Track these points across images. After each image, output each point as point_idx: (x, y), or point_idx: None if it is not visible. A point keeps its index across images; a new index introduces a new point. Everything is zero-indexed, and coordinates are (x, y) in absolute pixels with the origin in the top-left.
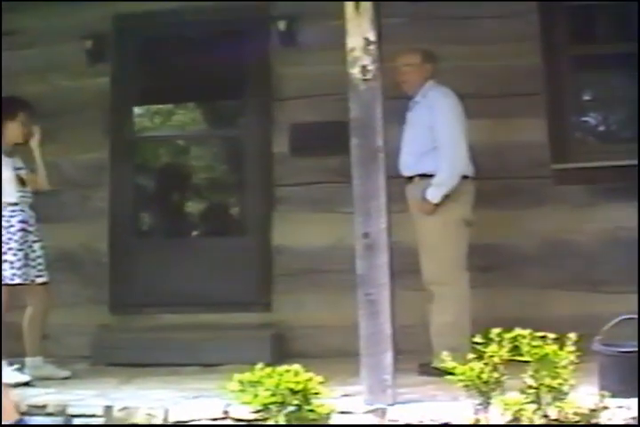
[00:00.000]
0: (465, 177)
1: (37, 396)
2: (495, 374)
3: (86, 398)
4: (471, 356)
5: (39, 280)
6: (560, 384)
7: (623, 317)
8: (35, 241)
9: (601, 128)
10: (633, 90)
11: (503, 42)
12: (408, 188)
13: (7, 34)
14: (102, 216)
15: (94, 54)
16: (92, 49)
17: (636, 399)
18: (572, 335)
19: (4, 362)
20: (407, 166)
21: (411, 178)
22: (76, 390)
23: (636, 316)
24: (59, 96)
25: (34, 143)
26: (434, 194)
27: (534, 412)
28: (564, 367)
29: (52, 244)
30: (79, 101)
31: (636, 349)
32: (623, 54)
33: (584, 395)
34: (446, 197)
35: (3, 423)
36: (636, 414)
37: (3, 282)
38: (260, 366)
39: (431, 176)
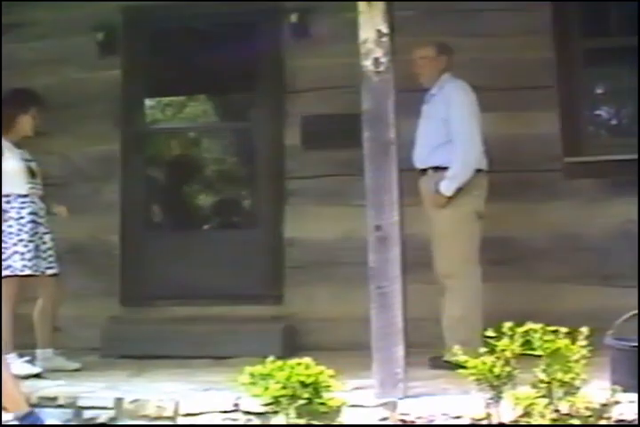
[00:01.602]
0: (478, 170)
1: (48, 388)
2: (507, 368)
3: (97, 390)
4: (483, 350)
5: (49, 272)
6: (572, 379)
7: (635, 311)
8: (45, 233)
9: (613, 122)
10: None
11: (516, 35)
12: (421, 180)
13: (18, 26)
14: (113, 208)
15: (105, 46)
16: (103, 41)
17: None
18: (584, 330)
19: (14, 354)
20: (421, 159)
21: (424, 170)
22: (87, 383)
23: None
24: (70, 88)
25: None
26: (447, 187)
27: (545, 406)
28: (576, 362)
29: (62, 236)
30: (90, 93)
31: None
32: (636, 47)
33: (596, 389)
34: (459, 190)
35: (14, 413)
36: None
37: (13, 273)
38: (271, 358)
39: (444, 169)
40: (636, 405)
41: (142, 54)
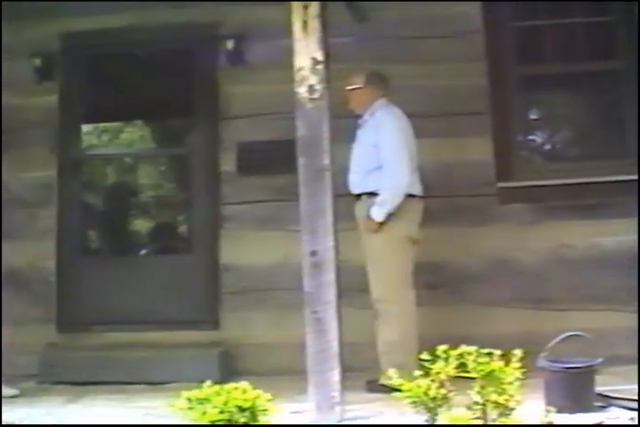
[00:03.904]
0: (411, 195)
1: None
2: (442, 391)
3: (34, 416)
4: (418, 373)
5: None
6: (506, 400)
7: (568, 333)
8: None
9: (546, 147)
10: (578, 109)
11: (449, 61)
12: (356, 205)
13: None
14: (50, 234)
15: (43, 72)
16: (41, 67)
17: (580, 415)
18: (518, 352)
19: None
20: (354, 184)
21: (358, 196)
22: (25, 409)
23: (580, 333)
24: (6, 114)
25: None
26: (377, 212)
27: None
28: (510, 384)
29: None
30: (27, 119)
31: (580, 365)
32: (568, 74)
33: (530, 411)
34: (392, 216)
35: None
36: None
37: None
38: (208, 383)
39: (377, 194)
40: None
41: (80, 80)
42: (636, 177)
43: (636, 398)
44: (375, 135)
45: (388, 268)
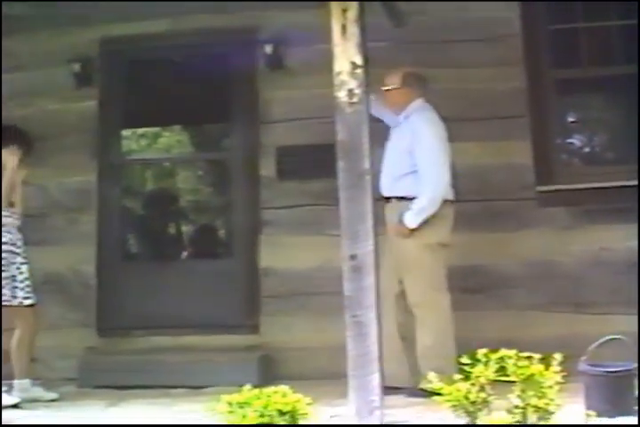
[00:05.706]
0: (444, 200)
1: (25, 418)
2: (482, 395)
3: (76, 419)
4: (458, 376)
5: (27, 302)
6: (546, 404)
7: (608, 337)
8: (22, 263)
9: (585, 150)
10: (616, 112)
11: (488, 65)
12: (386, 208)
13: None
14: (90, 239)
15: (81, 78)
16: (80, 72)
17: (621, 418)
18: (558, 356)
19: None
20: (385, 187)
21: (388, 199)
22: (64, 413)
23: (620, 336)
24: (46, 119)
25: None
26: (412, 219)
27: None
28: (550, 387)
29: (39, 266)
30: (66, 125)
31: (620, 369)
32: (607, 77)
33: (570, 414)
34: (422, 222)
35: None
36: None
37: None
38: (247, 387)
39: (408, 199)
40: None
41: (118, 85)
42: None
43: None
44: (410, 141)
45: (421, 273)
